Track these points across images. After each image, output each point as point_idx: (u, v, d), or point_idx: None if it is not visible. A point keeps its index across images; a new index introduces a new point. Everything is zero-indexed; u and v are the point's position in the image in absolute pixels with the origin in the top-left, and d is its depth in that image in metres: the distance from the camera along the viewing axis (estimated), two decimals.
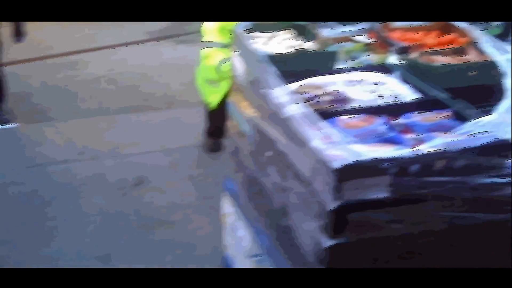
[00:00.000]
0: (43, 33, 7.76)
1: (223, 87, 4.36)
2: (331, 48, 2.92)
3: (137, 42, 7.55)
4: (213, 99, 4.61)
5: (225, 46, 4.29)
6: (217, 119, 4.57)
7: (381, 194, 2.00)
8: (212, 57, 4.45)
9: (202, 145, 5.06)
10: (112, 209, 4.35)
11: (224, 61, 4.29)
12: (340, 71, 2.83)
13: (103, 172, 4.82)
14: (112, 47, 7.40)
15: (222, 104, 4.22)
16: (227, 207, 3.25)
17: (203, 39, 4.54)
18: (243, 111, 2.89)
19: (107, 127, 5.56)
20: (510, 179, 2.10)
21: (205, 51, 4.53)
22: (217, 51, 4.39)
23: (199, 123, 5.18)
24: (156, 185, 4.65)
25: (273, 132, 2.48)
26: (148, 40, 7.66)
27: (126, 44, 7.47)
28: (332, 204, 2.00)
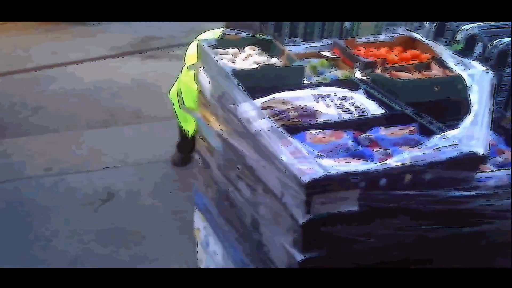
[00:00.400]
0: (6, 49, 7.70)
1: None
2: (297, 64, 2.95)
3: (103, 58, 7.52)
4: (190, 127, 4.59)
5: None
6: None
7: (351, 208, 2.03)
8: (192, 82, 4.42)
9: (172, 159, 5.06)
10: (82, 225, 4.32)
11: None
12: (307, 86, 2.85)
13: (72, 187, 4.77)
14: (78, 62, 7.35)
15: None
16: (199, 222, 3.26)
17: (187, 64, 4.48)
18: (212, 126, 2.91)
19: (74, 142, 5.50)
20: (477, 192, 2.16)
21: (186, 75, 4.50)
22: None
23: (167, 138, 5.17)
24: (126, 200, 4.63)
25: (242, 147, 2.50)
26: (114, 56, 7.63)
27: (92, 59, 7.44)
28: (303, 219, 2.03)
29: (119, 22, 8.60)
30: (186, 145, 4.78)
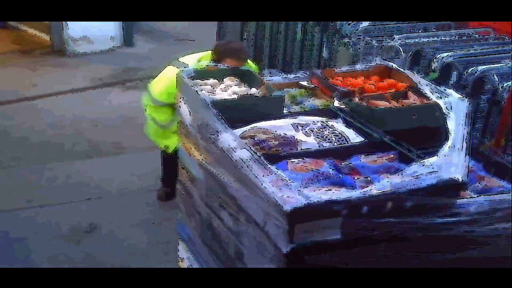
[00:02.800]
0: None
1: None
2: (276, 94, 3.00)
3: (85, 89, 7.52)
4: (172, 142, 4.54)
5: (169, 105, 4.27)
6: (172, 167, 4.47)
7: (334, 235, 2.05)
8: (157, 113, 4.41)
9: (158, 194, 5.02)
10: (65, 257, 4.29)
11: (170, 122, 4.30)
12: (286, 115, 2.90)
13: (54, 219, 4.73)
14: (59, 94, 7.35)
15: (176, 151, 4.12)
16: (182, 253, 3.25)
17: (154, 97, 4.39)
18: (193, 156, 2.93)
19: (56, 173, 5.47)
20: (459, 218, 2.18)
21: (151, 108, 4.47)
22: (161, 109, 4.37)
23: (149, 168, 5.17)
24: (109, 231, 4.61)
25: (224, 176, 2.51)
26: (95, 87, 7.64)
27: (74, 90, 7.43)
28: (286, 248, 2.04)
29: (100, 54, 8.64)
30: (171, 179, 4.73)
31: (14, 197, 5.04)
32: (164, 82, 4.31)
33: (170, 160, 4.45)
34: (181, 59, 4.35)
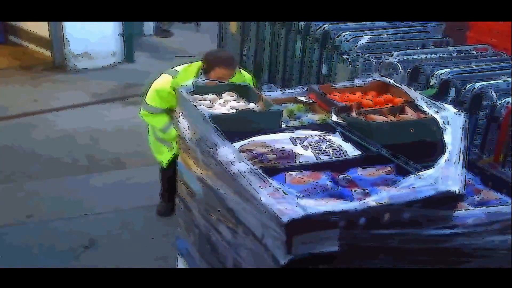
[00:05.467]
0: None
1: (175, 146, 4.35)
2: (274, 108, 3.02)
3: (85, 104, 7.55)
4: (164, 158, 4.59)
5: (164, 111, 4.36)
6: (171, 182, 4.50)
7: (331, 247, 2.05)
8: (154, 120, 4.46)
9: (157, 209, 5.02)
10: None
11: (168, 125, 4.34)
12: (284, 129, 2.92)
13: (53, 234, 4.72)
14: (59, 109, 7.38)
15: (175, 166, 4.16)
16: (181, 267, 3.25)
17: (147, 103, 4.49)
18: (192, 170, 2.94)
19: (56, 188, 5.48)
20: (456, 230, 2.19)
21: (145, 114, 4.52)
22: (157, 116, 4.41)
23: (148, 183, 5.17)
24: (108, 246, 4.60)
25: (222, 189, 2.52)
26: (95, 102, 7.67)
27: (74, 106, 7.46)
28: (284, 259, 2.04)
29: (101, 70, 8.68)
30: (170, 194, 4.75)
31: (14, 212, 5.04)
32: (155, 86, 4.42)
33: (169, 176, 4.49)
34: (174, 68, 4.43)
